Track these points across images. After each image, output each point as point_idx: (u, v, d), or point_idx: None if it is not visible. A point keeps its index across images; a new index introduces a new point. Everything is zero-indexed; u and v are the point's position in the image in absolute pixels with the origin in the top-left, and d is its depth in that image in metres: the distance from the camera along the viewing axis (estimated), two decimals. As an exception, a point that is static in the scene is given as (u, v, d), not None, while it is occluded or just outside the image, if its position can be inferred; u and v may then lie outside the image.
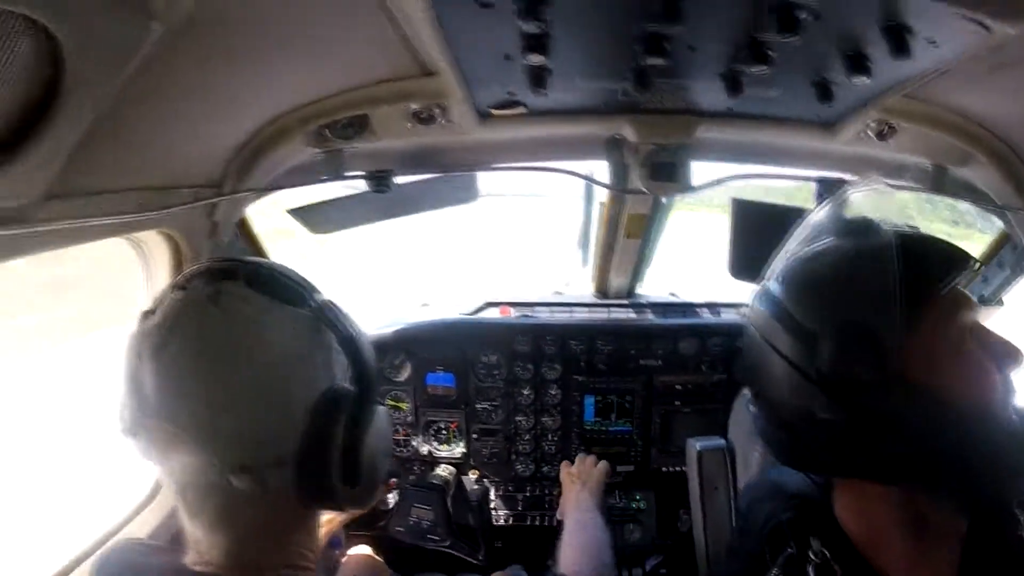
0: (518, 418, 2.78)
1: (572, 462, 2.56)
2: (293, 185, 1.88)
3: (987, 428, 0.92)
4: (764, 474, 1.41)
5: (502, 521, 2.85)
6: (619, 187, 2.10)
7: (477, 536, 2.71)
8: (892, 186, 1.15)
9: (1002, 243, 2.34)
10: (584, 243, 2.92)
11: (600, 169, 2.21)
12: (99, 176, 1.22)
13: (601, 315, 2.97)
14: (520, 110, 1.71)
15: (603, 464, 2.17)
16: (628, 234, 2.61)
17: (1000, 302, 2.50)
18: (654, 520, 2.84)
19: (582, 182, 2.26)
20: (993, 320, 2.44)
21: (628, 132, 1.85)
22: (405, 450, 2.79)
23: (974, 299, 0.99)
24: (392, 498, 2.71)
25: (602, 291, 3.10)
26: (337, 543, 2.05)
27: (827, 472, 1.12)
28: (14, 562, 1.40)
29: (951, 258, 0.98)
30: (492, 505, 2.85)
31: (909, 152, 1.92)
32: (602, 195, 2.60)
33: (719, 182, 2.07)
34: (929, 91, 1.57)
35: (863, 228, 1.04)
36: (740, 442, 1.92)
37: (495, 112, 1.72)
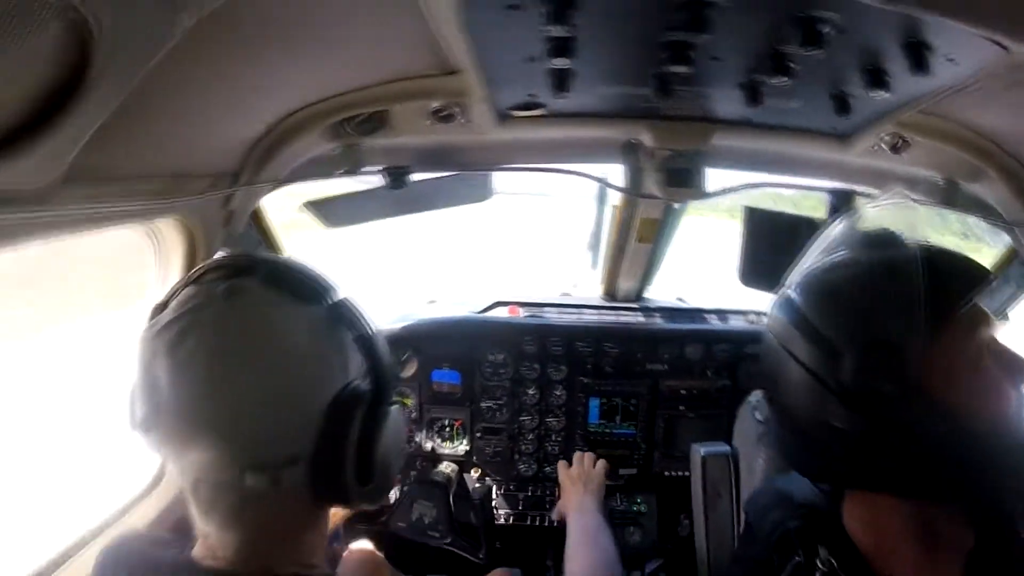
0: (522, 418, 2.79)
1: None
2: (310, 178, 1.88)
3: (1002, 443, 0.93)
4: (771, 482, 1.40)
5: (502, 520, 2.85)
6: (634, 191, 2.11)
7: (479, 534, 2.71)
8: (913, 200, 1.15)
9: (1010, 259, 2.34)
10: (594, 245, 2.92)
11: (614, 172, 2.22)
12: (118, 162, 1.23)
13: (609, 318, 2.97)
14: (539, 112, 1.72)
15: (602, 463, 2.17)
16: (640, 238, 2.62)
17: (1006, 317, 2.50)
18: (655, 524, 2.84)
19: (594, 184, 2.26)
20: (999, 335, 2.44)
21: (645, 137, 1.85)
22: (408, 446, 2.79)
23: (992, 315, 0.99)
24: (394, 493, 2.71)
25: (610, 294, 3.11)
26: (336, 537, 2.05)
27: (840, 482, 1.11)
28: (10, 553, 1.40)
29: (974, 274, 0.98)
30: (493, 504, 2.85)
31: (922, 166, 1.92)
32: (614, 198, 2.60)
33: (732, 190, 2.07)
34: (944, 107, 1.58)
35: (888, 241, 1.04)
36: (744, 449, 1.91)
37: (514, 113, 1.72)
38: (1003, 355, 0.98)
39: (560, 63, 1.31)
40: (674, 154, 1.86)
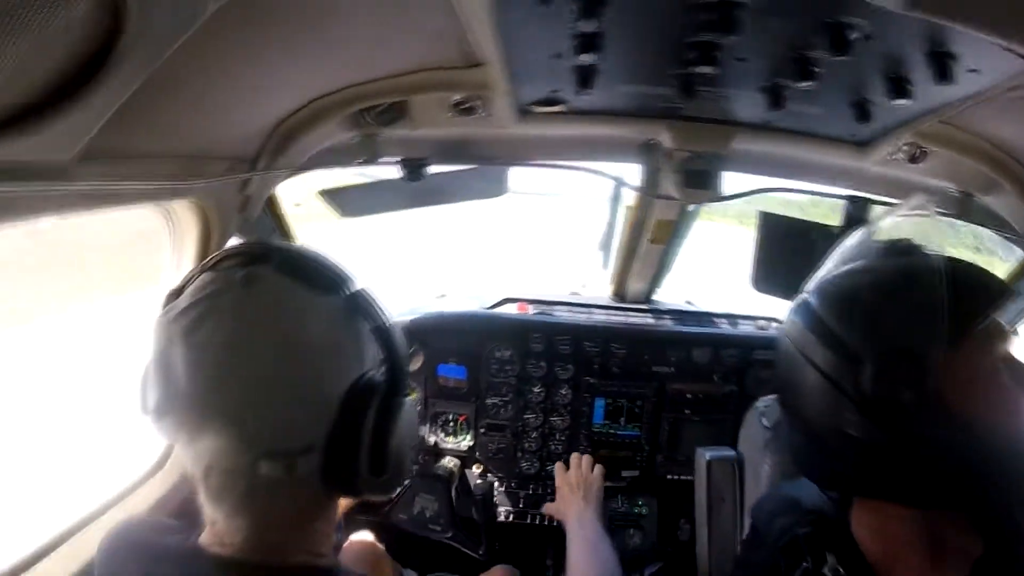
0: (527, 415, 2.78)
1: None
2: (327, 166, 1.88)
3: (1014, 456, 0.93)
4: (778, 487, 1.41)
5: (503, 517, 2.84)
6: (651, 191, 2.10)
7: (480, 531, 2.71)
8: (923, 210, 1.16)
9: (1021, 273, 2.33)
10: (606, 245, 2.91)
11: (629, 172, 2.22)
12: (137, 141, 1.23)
13: (618, 318, 2.96)
14: (560, 108, 1.71)
15: (599, 469, 2.16)
16: (653, 239, 2.61)
17: (1016, 332, 2.49)
18: (655, 527, 2.83)
19: (608, 183, 2.26)
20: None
21: (664, 138, 1.85)
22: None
23: (1010, 330, 0.99)
24: None
25: (620, 294, 3.11)
26: (337, 528, 2.06)
27: (851, 490, 1.11)
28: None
29: (996, 288, 0.99)
30: (495, 500, 2.85)
31: (938, 177, 1.92)
32: (629, 198, 2.60)
33: (749, 193, 2.07)
34: (964, 118, 1.58)
35: (910, 250, 1.04)
36: (750, 455, 1.90)
37: (535, 109, 1.72)
38: (1018, 369, 0.98)
39: (586, 59, 1.30)
40: (693, 155, 1.85)
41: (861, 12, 1.09)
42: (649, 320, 2.99)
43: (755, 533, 1.29)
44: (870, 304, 1.00)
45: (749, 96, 1.57)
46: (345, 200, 2.03)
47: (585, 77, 1.43)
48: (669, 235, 2.63)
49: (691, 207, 2.54)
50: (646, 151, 1.97)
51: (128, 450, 1.76)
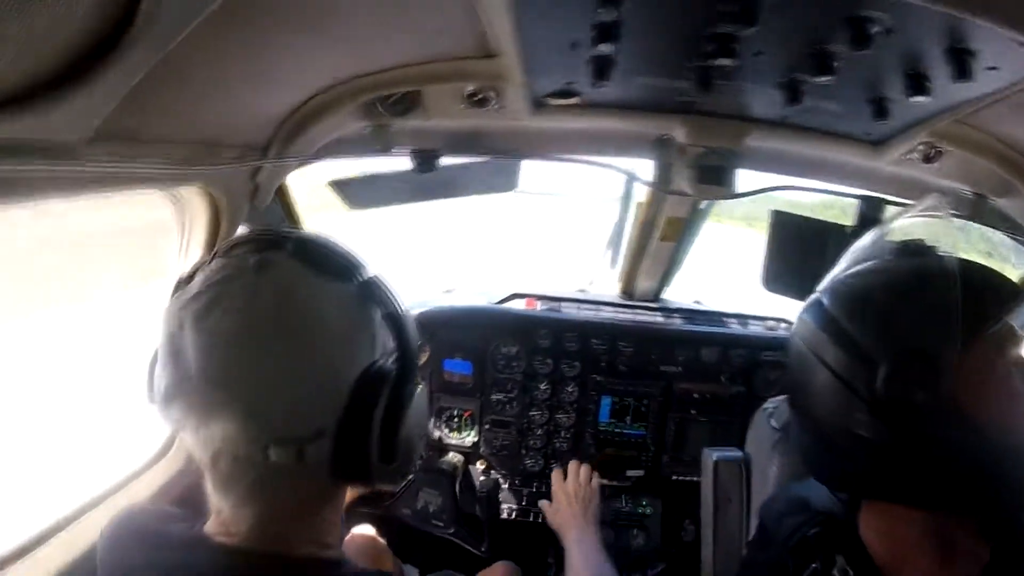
0: (532, 412, 2.76)
1: (582, 461, 2.55)
2: (338, 156, 1.87)
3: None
4: (788, 487, 1.40)
5: (505, 514, 2.84)
6: (664, 187, 2.09)
7: (483, 528, 2.70)
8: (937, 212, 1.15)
9: (1033, 278, 2.31)
10: (616, 242, 2.90)
11: (641, 168, 2.20)
12: (148, 125, 1.21)
13: (626, 316, 2.95)
14: (575, 101, 1.69)
15: (596, 481, 2.18)
16: (663, 236, 2.60)
17: None
18: (659, 527, 2.82)
19: (617, 181, 2.25)
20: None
21: (679, 133, 1.83)
22: None
23: (1022, 334, 0.98)
24: None
25: (628, 292, 3.10)
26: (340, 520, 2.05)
27: (860, 491, 1.11)
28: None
29: (1010, 291, 0.98)
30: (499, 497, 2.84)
31: (952, 178, 1.90)
32: (640, 195, 2.58)
33: (763, 191, 2.05)
34: (981, 118, 1.56)
35: (924, 251, 1.04)
36: (758, 456, 1.89)
37: (549, 101, 1.70)
38: None
39: (604, 50, 1.29)
40: (707, 151, 1.84)
41: (882, 5, 1.08)
42: (658, 318, 2.97)
43: (763, 533, 1.29)
44: (883, 304, 1.00)
45: (766, 91, 1.56)
46: (354, 191, 2.02)
47: (602, 68, 1.41)
48: (680, 233, 2.62)
49: (702, 205, 2.54)
50: (660, 146, 1.96)
51: (129, 444, 1.75)
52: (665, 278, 2.98)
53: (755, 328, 2.98)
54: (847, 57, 1.26)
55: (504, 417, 2.77)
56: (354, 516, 2.30)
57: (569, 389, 2.75)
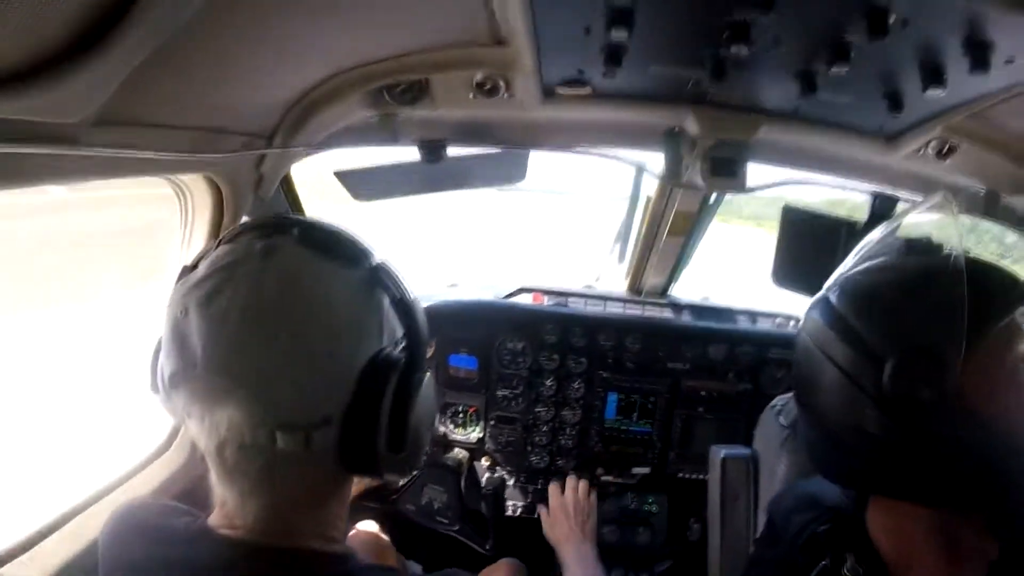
0: (538, 409, 2.75)
1: (588, 459, 2.55)
2: (344, 145, 1.85)
3: None
4: (797, 485, 1.39)
5: (510, 511, 2.83)
6: (674, 180, 2.07)
7: (488, 525, 2.69)
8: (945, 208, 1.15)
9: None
10: (624, 237, 2.89)
11: (652, 163, 2.18)
12: (151, 109, 1.20)
13: (633, 312, 2.94)
14: (586, 90, 1.67)
15: (594, 497, 2.22)
16: (672, 231, 2.58)
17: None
18: (665, 525, 2.82)
19: (625, 179, 2.24)
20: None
21: (690, 124, 1.81)
22: None
23: None
24: None
25: (635, 289, 3.07)
26: None
27: (868, 488, 1.11)
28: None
29: (1017, 288, 0.98)
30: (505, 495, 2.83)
31: (965, 174, 1.88)
32: (649, 189, 2.57)
33: (774, 185, 2.03)
34: (996, 113, 1.54)
35: (932, 248, 1.03)
36: (766, 454, 1.88)
37: (560, 90, 1.67)
38: None
39: (618, 35, 1.26)
40: (718, 143, 1.81)
41: None
42: (665, 314, 2.96)
43: (771, 530, 1.30)
44: (890, 302, 1.00)
45: (780, 81, 1.54)
46: (360, 182, 2.00)
47: (614, 55, 1.39)
48: (688, 228, 2.61)
49: (712, 199, 2.52)
50: (670, 138, 1.93)
51: (130, 440, 1.74)
52: (673, 274, 2.96)
53: (764, 325, 2.97)
54: (863, 47, 1.24)
55: (509, 413, 2.76)
56: (358, 511, 2.29)
57: (575, 385, 2.73)
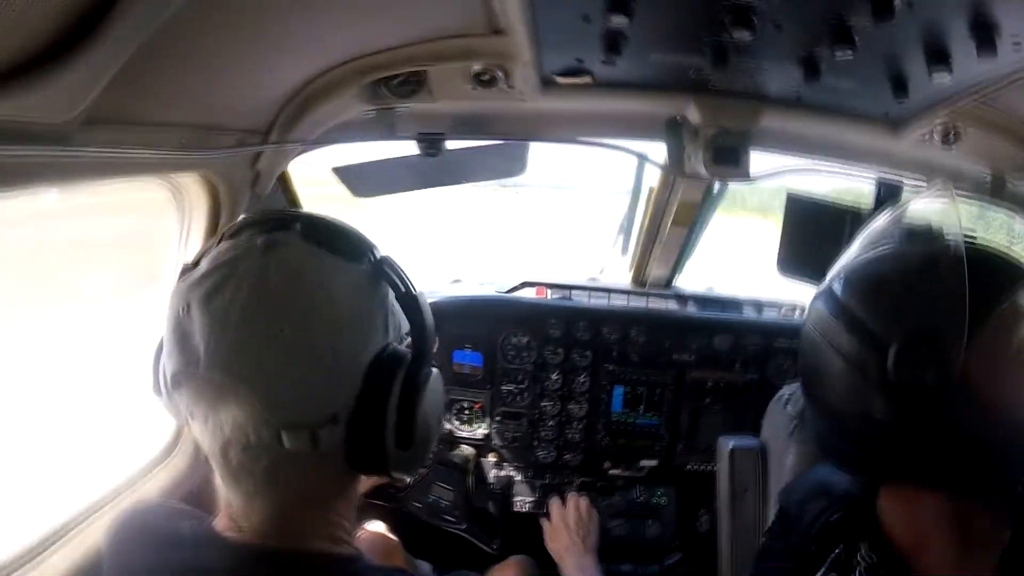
0: (544, 403, 2.73)
1: (597, 452, 2.54)
2: (342, 141, 1.83)
3: None
4: (808, 473, 1.39)
5: (518, 507, 2.82)
6: (677, 169, 2.05)
7: (495, 524, 2.68)
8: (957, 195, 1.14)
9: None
10: (627, 228, 2.87)
11: (654, 153, 2.16)
12: (142, 107, 1.18)
13: (638, 303, 2.93)
14: (585, 79, 1.65)
15: (595, 513, 2.23)
16: (675, 221, 2.57)
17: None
18: (674, 517, 2.81)
19: (627, 172, 2.22)
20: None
21: (692, 113, 1.79)
22: None
23: None
24: None
25: (639, 280, 3.05)
26: None
27: (878, 475, 1.11)
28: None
29: (1017, 269, 0.98)
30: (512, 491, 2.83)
31: (971, 159, 1.87)
32: (652, 180, 2.55)
33: (778, 173, 2.01)
34: (1002, 97, 1.52)
35: (932, 234, 1.03)
36: (774, 444, 1.87)
37: (559, 80, 1.65)
38: None
39: (617, 21, 1.24)
40: (721, 132, 1.79)
41: None
42: (670, 306, 2.94)
43: (783, 519, 1.30)
44: (892, 289, 1.01)
45: (783, 67, 1.52)
46: (359, 178, 1.99)
47: (614, 42, 1.37)
48: (692, 218, 2.59)
49: (715, 189, 2.50)
50: (672, 127, 1.91)
51: (130, 447, 1.73)
52: (677, 265, 2.94)
53: (769, 314, 2.95)
54: (868, 30, 1.22)
55: (515, 409, 2.74)
56: (364, 510, 2.28)
57: (581, 379, 2.72)
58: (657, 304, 2.94)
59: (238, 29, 1.16)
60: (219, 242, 0.92)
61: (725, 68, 1.49)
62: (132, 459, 1.68)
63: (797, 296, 2.88)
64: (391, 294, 0.95)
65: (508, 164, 2.11)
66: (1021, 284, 0.96)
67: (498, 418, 2.74)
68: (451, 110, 1.85)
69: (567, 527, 2.17)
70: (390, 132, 1.79)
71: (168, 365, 0.90)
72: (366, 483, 1.10)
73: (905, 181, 2.00)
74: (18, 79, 0.79)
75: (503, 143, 1.98)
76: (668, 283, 3.03)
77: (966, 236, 0.98)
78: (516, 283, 2.97)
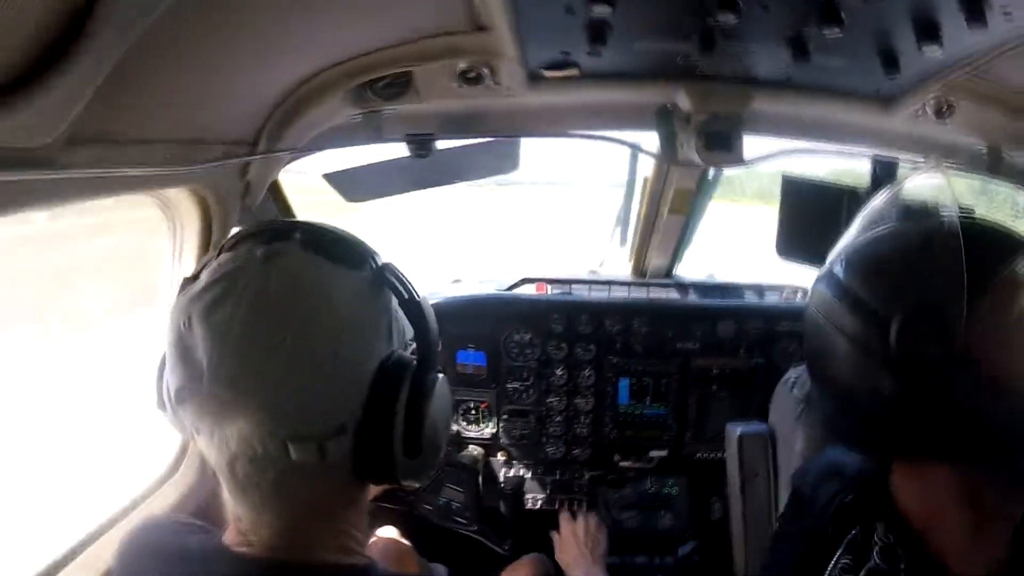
0: (550, 399, 2.73)
1: (605, 446, 2.53)
2: (331, 147, 1.82)
3: None
4: (821, 455, 1.39)
5: (529, 504, 2.81)
6: (669, 158, 2.04)
7: (507, 525, 2.67)
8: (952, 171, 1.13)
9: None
10: (624, 219, 2.86)
11: (646, 142, 2.14)
12: (126, 124, 1.16)
13: (639, 294, 2.92)
14: (572, 72, 1.64)
15: (603, 527, 2.28)
16: (672, 209, 2.56)
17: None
18: (687, 507, 2.81)
19: (621, 165, 2.21)
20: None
21: (682, 100, 1.78)
22: None
23: None
24: None
25: (639, 271, 3.05)
26: None
27: (887, 451, 1.10)
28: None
29: (1013, 240, 0.98)
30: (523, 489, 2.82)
31: (965, 132, 1.86)
32: (646, 169, 2.54)
33: (771, 156, 2.00)
34: (994, 69, 1.51)
35: (928, 210, 1.03)
36: (782, 428, 1.87)
37: (546, 74, 1.64)
38: None
39: (600, 10, 1.23)
40: (712, 117, 1.78)
41: None
42: (671, 295, 2.94)
43: (797, 503, 1.30)
44: (891, 266, 1.01)
45: (771, 49, 1.51)
46: (350, 183, 1.98)
47: (598, 32, 1.36)
48: (688, 205, 2.58)
49: (710, 175, 2.49)
50: (663, 116, 1.90)
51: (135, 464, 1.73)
52: (676, 253, 2.94)
53: (771, 298, 2.95)
54: (855, 7, 1.22)
55: (522, 406, 2.74)
56: (375, 514, 2.27)
57: (586, 373, 2.71)
58: (658, 294, 2.93)
59: (218, 39, 1.14)
60: (219, 254, 0.92)
61: (712, 53, 1.48)
62: (138, 477, 1.68)
63: (798, 279, 2.87)
64: (394, 301, 0.95)
65: (499, 162, 2.10)
66: (1017, 255, 0.96)
67: (505, 416, 2.74)
68: (439, 110, 1.84)
69: (576, 539, 2.21)
70: (378, 135, 1.77)
71: (171, 380, 0.89)
72: (376, 489, 1.10)
73: (901, 158, 1.98)
74: None
75: (493, 141, 1.97)
76: (668, 272, 3.03)
77: (962, 210, 0.99)
78: (516, 280, 2.97)
